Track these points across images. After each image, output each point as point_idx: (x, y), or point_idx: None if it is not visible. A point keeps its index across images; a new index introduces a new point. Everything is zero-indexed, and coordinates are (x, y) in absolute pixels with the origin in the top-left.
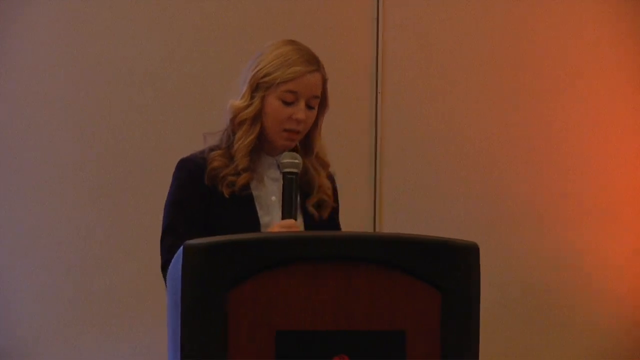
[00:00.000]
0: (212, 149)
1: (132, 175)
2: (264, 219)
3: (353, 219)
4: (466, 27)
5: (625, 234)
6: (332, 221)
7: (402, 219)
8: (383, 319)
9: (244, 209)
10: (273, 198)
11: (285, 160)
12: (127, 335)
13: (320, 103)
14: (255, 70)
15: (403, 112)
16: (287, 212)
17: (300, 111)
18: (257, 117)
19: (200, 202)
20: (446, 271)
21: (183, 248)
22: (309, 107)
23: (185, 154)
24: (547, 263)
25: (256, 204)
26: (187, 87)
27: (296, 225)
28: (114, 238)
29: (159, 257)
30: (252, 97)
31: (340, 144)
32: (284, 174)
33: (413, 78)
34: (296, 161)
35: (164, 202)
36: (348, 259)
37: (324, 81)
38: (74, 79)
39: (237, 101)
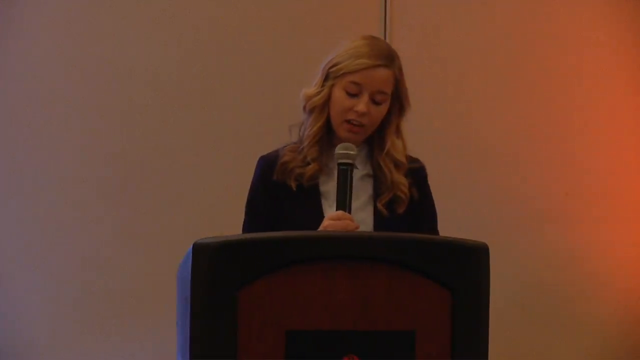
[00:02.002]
0: (287, 146)
1: (137, 176)
2: (328, 213)
3: None
4: (473, 27)
5: (634, 234)
6: (411, 216)
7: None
8: (392, 319)
9: (309, 202)
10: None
11: (339, 151)
12: (133, 335)
13: (394, 102)
14: (329, 59)
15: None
16: (340, 204)
17: (361, 104)
18: (325, 105)
19: (268, 198)
20: (456, 271)
21: (193, 247)
22: (374, 101)
23: (197, 153)
24: (556, 263)
25: (322, 198)
26: (190, 87)
27: (346, 216)
28: (119, 238)
29: (167, 256)
30: (322, 85)
31: None
32: (338, 165)
33: (420, 78)
34: (350, 152)
35: (172, 202)
36: (357, 259)
37: (396, 79)
38: (77, 78)
39: (310, 89)
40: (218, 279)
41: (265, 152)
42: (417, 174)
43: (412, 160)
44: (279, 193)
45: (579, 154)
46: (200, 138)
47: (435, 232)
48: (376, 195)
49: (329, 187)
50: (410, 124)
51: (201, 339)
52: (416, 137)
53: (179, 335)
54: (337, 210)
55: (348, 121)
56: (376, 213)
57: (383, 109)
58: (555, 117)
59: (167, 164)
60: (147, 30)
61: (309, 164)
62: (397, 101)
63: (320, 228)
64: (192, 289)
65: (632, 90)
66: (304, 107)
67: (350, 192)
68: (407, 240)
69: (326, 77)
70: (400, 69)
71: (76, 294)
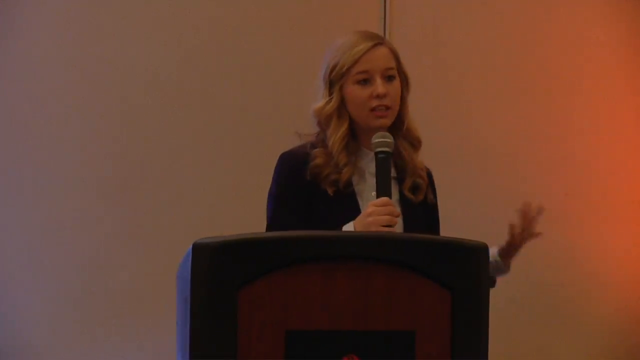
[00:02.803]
0: (313, 145)
1: (137, 176)
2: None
3: None
4: (472, 27)
5: (634, 234)
6: (428, 208)
7: None
8: (392, 319)
9: (347, 205)
10: (373, 193)
11: (376, 140)
12: (133, 335)
13: (401, 77)
14: (325, 67)
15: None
16: (382, 191)
17: (379, 86)
18: (342, 108)
19: (302, 195)
20: (456, 271)
21: (192, 247)
22: (387, 78)
23: (198, 152)
24: (555, 262)
25: (358, 198)
26: (189, 87)
27: (391, 202)
28: (119, 238)
29: (168, 256)
30: (330, 94)
31: None
32: (376, 154)
33: (420, 78)
34: (387, 140)
35: (174, 201)
36: (358, 259)
37: (395, 54)
38: (76, 78)
39: (318, 103)
40: (218, 279)
41: (265, 152)
42: (430, 177)
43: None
44: (314, 194)
45: (579, 154)
46: (200, 138)
47: None
48: (402, 193)
49: (363, 187)
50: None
51: (201, 338)
52: None
53: (179, 335)
54: (378, 197)
55: (373, 109)
56: (404, 207)
57: (397, 83)
58: (555, 117)
59: (167, 164)
60: (146, 30)
61: (342, 169)
62: (403, 76)
63: (364, 214)
64: (191, 288)
65: (632, 90)
66: (319, 122)
67: (390, 180)
68: (407, 240)
69: (331, 84)
70: (392, 45)
71: (76, 294)
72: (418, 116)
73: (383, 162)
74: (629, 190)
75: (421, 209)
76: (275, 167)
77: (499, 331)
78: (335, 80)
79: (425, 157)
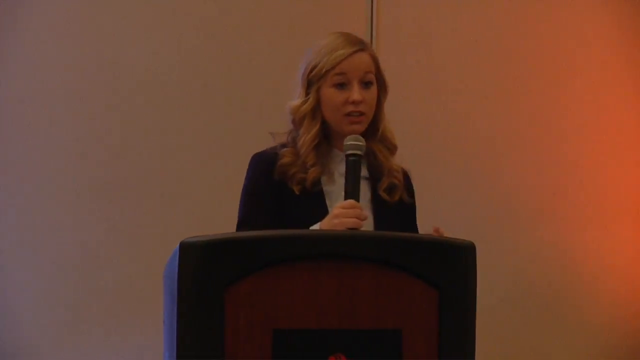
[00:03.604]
0: (283, 145)
1: (134, 175)
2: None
3: None
4: (461, 27)
5: (627, 233)
6: (405, 210)
7: None
8: (380, 318)
9: (314, 205)
10: (343, 193)
11: (347, 143)
12: (130, 335)
13: (379, 84)
14: (305, 66)
15: (397, 111)
16: (349, 193)
17: (355, 92)
18: (316, 110)
19: (271, 195)
20: (443, 270)
21: (180, 246)
22: (364, 84)
23: (189, 152)
24: (547, 262)
25: (327, 199)
26: (188, 87)
27: (358, 205)
28: (116, 238)
29: (161, 255)
30: (307, 94)
31: None
32: (347, 156)
33: (407, 78)
34: (359, 143)
35: (170, 201)
36: (345, 258)
37: (375, 60)
38: (75, 79)
39: (294, 101)
40: (205, 278)
41: (256, 152)
42: (407, 179)
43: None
44: (282, 193)
45: (568, 154)
46: (192, 138)
47: None
48: (375, 194)
49: (333, 188)
50: (400, 123)
51: (188, 337)
52: (405, 136)
53: (166, 334)
54: (345, 199)
55: (348, 114)
56: (376, 208)
57: (374, 91)
58: (543, 117)
59: (158, 164)
60: (142, 31)
61: (309, 169)
62: (381, 83)
63: (331, 216)
64: (178, 287)
65: (623, 90)
66: (293, 121)
67: (359, 183)
68: (394, 239)
69: (309, 84)
70: (374, 52)
71: (68, 293)
72: (406, 116)
73: (353, 164)
74: (617, 190)
75: (396, 210)
76: (248, 167)
77: (488, 330)
78: (313, 80)
79: (413, 156)
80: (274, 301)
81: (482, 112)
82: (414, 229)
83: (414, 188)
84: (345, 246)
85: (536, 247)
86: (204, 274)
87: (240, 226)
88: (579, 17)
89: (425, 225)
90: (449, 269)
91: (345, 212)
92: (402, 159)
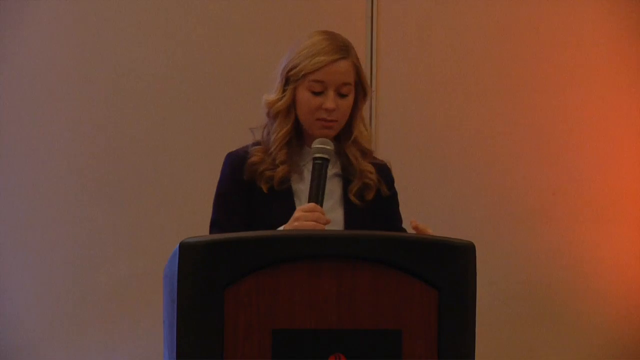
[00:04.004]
0: (255, 144)
1: (135, 174)
2: None
3: None
4: (461, 25)
5: (625, 233)
6: (381, 203)
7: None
8: (379, 318)
9: (282, 203)
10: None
11: (315, 146)
12: (131, 334)
13: (357, 89)
14: (286, 63)
15: (397, 110)
16: (313, 197)
17: (329, 100)
18: (290, 108)
19: (241, 195)
20: (443, 270)
21: (179, 246)
22: (340, 95)
23: (188, 152)
24: (546, 262)
25: (295, 198)
26: (189, 87)
27: (318, 208)
28: (117, 237)
29: (161, 255)
30: (283, 90)
31: None
32: (313, 159)
33: (407, 76)
34: (326, 147)
35: (169, 200)
36: (344, 258)
37: (356, 68)
38: (76, 78)
39: (271, 95)
40: (204, 278)
41: None
42: (385, 171)
43: (377, 159)
44: (251, 193)
45: (568, 154)
46: (189, 138)
47: (404, 230)
48: (345, 193)
49: (301, 186)
50: (399, 122)
51: (187, 338)
52: (405, 135)
53: (166, 334)
54: (309, 202)
55: (319, 119)
56: (347, 207)
57: (350, 99)
58: (543, 116)
59: (157, 164)
60: (150, 30)
61: (278, 166)
62: (361, 89)
63: (292, 219)
64: (178, 288)
65: (621, 89)
66: (268, 113)
67: (324, 187)
68: (394, 239)
69: (286, 81)
70: (357, 57)
71: (78, 293)
72: (405, 115)
73: (319, 168)
74: (617, 190)
75: (369, 209)
76: (221, 168)
77: (487, 330)
78: (291, 79)
79: (413, 156)
80: (274, 301)
81: (481, 111)
82: (397, 218)
83: (413, 179)
84: (344, 246)
85: (536, 247)
86: (204, 274)
87: (211, 228)
88: (579, 17)
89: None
90: (449, 269)
91: (305, 216)
92: (401, 159)
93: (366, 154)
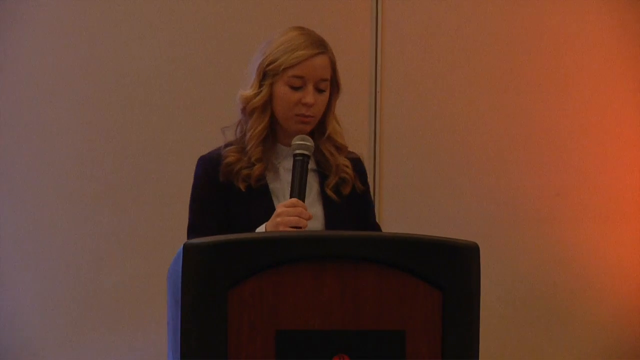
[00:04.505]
0: (227, 145)
1: (138, 174)
2: None
3: None
4: (466, 26)
5: (629, 233)
6: (357, 198)
7: (402, 219)
8: (383, 319)
9: (260, 201)
10: (289, 189)
11: (295, 142)
12: (134, 334)
13: (331, 85)
14: (262, 58)
15: (402, 111)
16: (295, 192)
17: (308, 95)
18: (267, 104)
19: (217, 198)
20: (446, 271)
21: (183, 247)
22: (318, 90)
23: (191, 152)
24: (548, 262)
25: (273, 197)
26: (191, 86)
27: (300, 204)
28: (120, 237)
29: (165, 256)
30: (260, 86)
31: None
32: (294, 156)
33: (412, 77)
34: (307, 143)
35: (173, 201)
36: (348, 259)
37: (332, 63)
38: (78, 78)
39: (246, 91)
40: (208, 279)
41: None
42: (358, 165)
43: (351, 153)
44: (228, 194)
45: (570, 154)
46: (194, 139)
47: (378, 226)
48: (323, 187)
49: (278, 185)
50: (404, 123)
51: (191, 339)
52: (409, 136)
53: (170, 335)
54: (290, 198)
55: (297, 115)
56: (325, 202)
57: (327, 95)
58: (546, 117)
59: (173, 163)
60: (151, 29)
61: (254, 164)
62: (335, 85)
63: (274, 215)
64: (182, 289)
65: (624, 89)
66: (243, 109)
67: (305, 183)
68: (398, 240)
69: (264, 77)
70: (332, 53)
71: (80, 293)
72: (412, 116)
73: (300, 164)
74: (620, 191)
75: (347, 204)
76: (194, 172)
77: (491, 331)
78: (268, 74)
79: (418, 156)
80: (278, 302)
81: (485, 112)
82: (371, 212)
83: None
84: (348, 247)
85: (539, 248)
86: (208, 275)
87: (189, 232)
88: (583, 18)
89: (431, 225)
90: (453, 270)
91: (287, 211)
92: (405, 159)
93: (341, 149)
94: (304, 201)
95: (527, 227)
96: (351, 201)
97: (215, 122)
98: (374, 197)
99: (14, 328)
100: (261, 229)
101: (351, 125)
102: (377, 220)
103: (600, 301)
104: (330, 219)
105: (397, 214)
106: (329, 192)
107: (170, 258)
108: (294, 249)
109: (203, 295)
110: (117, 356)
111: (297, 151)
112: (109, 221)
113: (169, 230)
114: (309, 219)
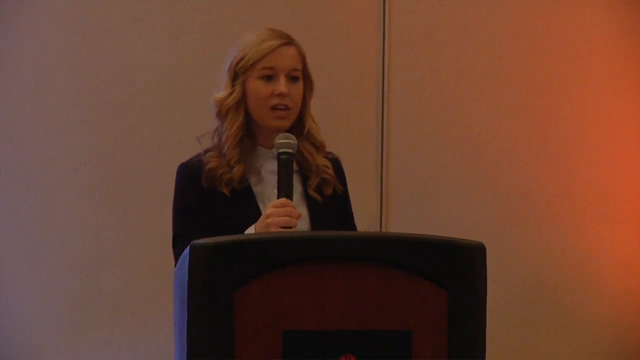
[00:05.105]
0: (207, 151)
1: (139, 175)
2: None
3: (359, 219)
4: (473, 28)
5: (633, 233)
6: (337, 199)
7: (408, 219)
8: (389, 319)
9: (246, 205)
10: (274, 191)
11: (278, 141)
12: (135, 335)
13: (305, 81)
14: (230, 60)
15: (409, 112)
16: (282, 192)
17: (281, 85)
18: (240, 103)
19: (202, 204)
20: (453, 271)
21: (190, 248)
22: (291, 79)
23: (193, 152)
24: (553, 262)
25: (258, 199)
26: (193, 87)
27: (289, 203)
28: (121, 238)
29: (167, 256)
30: (232, 86)
31: (346, 144)
32: (278, 155)
33: (419, 78)
34: (291, 141)
35: (170, 200)
36: (354, 259)
37: (302, 57)
38: (79, 79)
39: (219, 93)
40: (214, 280)
41: None
42: (337, 165)
43: (330, 153)
44: (212, 200)
45: (573, 154)
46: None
47: (355, 228)
48: (305, 187)
49: (261, 189)
50: (410, 125)
51: (198, 339)
52: (415, 136)
53: (177, 336)
54: (278, 198)
55: (273, 108)
56: (309, 203)
57: (300, 86)
58: (549, 118)
59: (174, 164)
60: (153, 30)
61: (233, 167)
62: (308, 80)
63: (263, 216)
64: (188, 289)
65: (627, 90)
66: (218, 113)
67: (292, 181)
68: (404, 240)
69: (235, 77)
70: (301, 48)
71: (82, 294)
72: (419, 117)
73: (285, 163)
74: (623, 190)
75: (329, 204)
76: (175, 180)
77: (497, 331)
78: (239, 72)
79: (424, 157)
80: (284, 303)
81: (491, 113)
82: (349, 214)
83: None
84: (353, 247)
85: (544, 248)
86: (214, 276)
87: (175, 242)
88: (588, 21)
89: (437, 225)
90: (459, 269)
91: (277, 212)
92: (412, 159)
93: (319, 148)
94: (291, 200)
95: (531, 227)
96: (332, 202)
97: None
98: (380, 197)
99: (14, 328)
100: (250, 230)
101: (359, 126)
102: (380, 222)
103: (604, 301)
104: (316, 219)
105: (404, 214)
106: (312, 193)
107: (170, 259)
108: (301, 249)
109: (209, 296)
110: (118, 356)
111: (281, 150)
112: (109, 221)
113: (170, 230)
114: (299, 217)
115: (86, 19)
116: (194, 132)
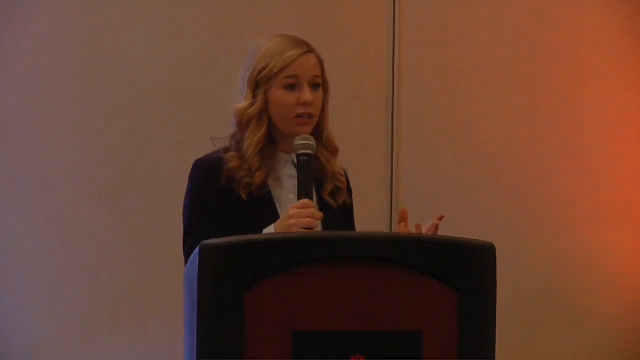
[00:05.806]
0: (227, 150)
1: (139, 175)
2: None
3: (369, 220)
4: (482, 28)
5: (637, 235)
6: (347, 211)
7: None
8: (400, 319)
9: (264, 208)
10: (291, 196)
11: (298, 143)
12: (135, 335)
13: (324, 86)
14: (251, 69)
15: (419, 114)
16: (303, 193)
17: (306, 93)
18: (263, 112)
19: (218, 201)
20: (463, 271)
21: (200, 248)
22: (313, 87)
23: (195, 153)
24: (564, 263)
25: (276, 202)
26: (195, 87)
27: (311, 204)
28: (121, 238)
29: (167, 256)
30: (254, 96)
31: (356, 146)
32: (298, 157)
33: (429, 78)
34: (310, 142)
35: (176, 201)
36: (365, 259)
37: (321, 63)
38: (79, 79)
39: (241, 104)
40: (225, 280)
41: None
42: (346, 177)
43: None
44: (230, 199)
45: (585, 155)
46: (199, 139)
47: None
48: (320, 192)
49: (280, 191)
50: (420, 124)
51: (208, 339)
52: (425, 137)
53: (187, 336)
54: (299, 199)
55: (298, 116)
56: (323, 208)
57: (321, 92)
58: (558, 119)
59: (178, 164)
60: (154, 30)
61: (255, 173)
62: (325, 86)
63: (285, 217)
64: (199, 289)
65: (635, 91)
66: (239, 123)
67: (312, 183)
68: (414, 240)
69: (256, 86)
70: (317, 51)
71: (77, 295)
72: (428, 119)
73: (305, 164)
74: (632, 192)
75: (341, 213)
76: (190, 175)
77: (506, 332)
78: (261, 82)
79: (435, 158)
80: (294, 303)
81: (501, 114)
82: (353, 228)
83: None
84: (364, 248)
85: (554, 249)
86: (225, 276)
87: (187, 236)
88: (594, 19)
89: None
90: (469, 270)
91: (299, 212)
92: (422, 160)
93: (334, 153)
94: (312, 200)
95: (541, 228)
96: (342, 211)
97: (218, 122)
98: (390, 198)
99: (20, 331)
100: (270, 229)
101: (369, 126)
102: (390, 223)
103: (617, 303)
104: (329, 225)
105: (413, 215)
106: (327, 198)
107: (173, 259)
108: (311, 249)
109: (219, 296)
110: (118, 356)
111: (301, 151)
112: (110, 221)
113: (172, 231)
114: (321, 218)
115: (86, 19)
116: (194, 132)
